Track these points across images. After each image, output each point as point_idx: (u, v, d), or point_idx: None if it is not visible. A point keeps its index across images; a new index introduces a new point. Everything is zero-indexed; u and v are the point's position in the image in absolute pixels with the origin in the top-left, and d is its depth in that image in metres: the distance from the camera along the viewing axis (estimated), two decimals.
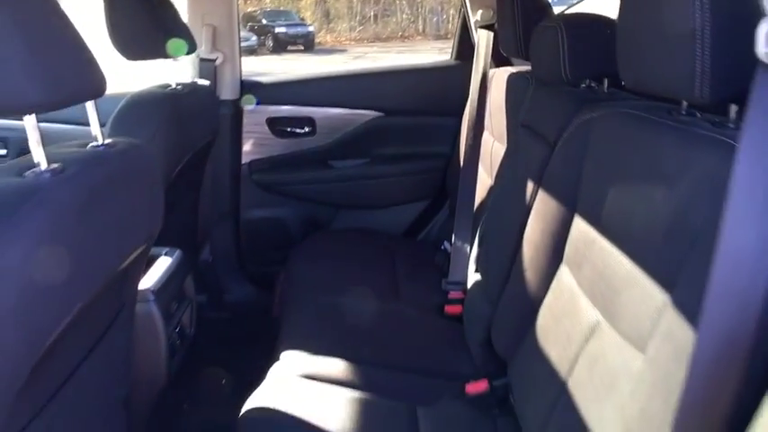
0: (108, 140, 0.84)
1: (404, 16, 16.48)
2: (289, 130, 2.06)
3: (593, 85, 1.18)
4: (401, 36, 16.10)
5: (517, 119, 1.40)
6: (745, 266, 0.50)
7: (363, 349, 1.29)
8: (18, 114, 0.67)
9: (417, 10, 16.39)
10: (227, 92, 1.90)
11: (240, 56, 1.93)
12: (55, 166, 0.70)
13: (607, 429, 0.76)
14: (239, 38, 1.92)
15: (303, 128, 2.06)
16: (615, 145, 0.90)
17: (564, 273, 0.99)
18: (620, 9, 0.84)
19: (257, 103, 1.98)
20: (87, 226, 0.72)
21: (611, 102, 1.05)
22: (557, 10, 1.63)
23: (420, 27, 16.38)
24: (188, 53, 1.51)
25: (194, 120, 1.57)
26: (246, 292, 2.01)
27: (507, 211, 1.26)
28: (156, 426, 1.24)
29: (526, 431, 1.00)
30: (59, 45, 0.71)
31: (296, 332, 1.36)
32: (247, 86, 1.97)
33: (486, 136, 1.79)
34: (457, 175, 1.82)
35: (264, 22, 13.82)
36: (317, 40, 14.72)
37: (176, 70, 1.55)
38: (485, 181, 1.74)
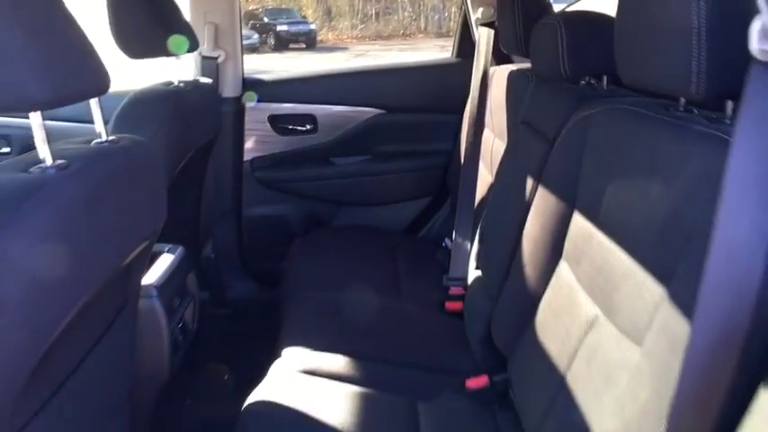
0: (112, 137, 0.85)
1: (405, 14, 16.43)
2: (290, 127, 2.06)
3: (592, 82, 1.18)
4: (403, 34, 16.04)
5: (517, 116, 1.40)
6: (739, 258, 0.51)
7: (364, 345, 1.30)
8: (23, 112, 0.67)
9: (419, 8, 16.32)
10: (229, 89, 1.90)
11: (242, 54, 1.93)
12: (60, 162, 0.70)
13: (605, 422, 0.76)
14: (241, 36, 1.92)
15: (305, 125, 2.06)
16: (613, 141, 0.91)
17: (563, 268, 0.99)
18: (619, 7, 0.84)
19: (259, 101, 1.98)
20: (92, 221, 0.72)
21: (609, 98, 1.05)
22: (557, 8, 1.64)
23: (422, 25, 16.32)
24: (190, 51, 1.51)
25: (197, 117, 1.57)
26: (248, 289, 2.01)
27: (507, 207, 1.27)
28: (159, 420, 1.24)
29: (526, 425, 1.01)
30: (64, 43, 0.72)
31: (297, 328, 1.37)
32: (249, 84, 1.97)
33: (486, 133, 1.79)
34: (458, 173, 1.83)
35: (266, 20, 13.80)
36: (318, 38, 14.68)
37: (179, 68, 1.56)
38: (485, 178, 1.74)
